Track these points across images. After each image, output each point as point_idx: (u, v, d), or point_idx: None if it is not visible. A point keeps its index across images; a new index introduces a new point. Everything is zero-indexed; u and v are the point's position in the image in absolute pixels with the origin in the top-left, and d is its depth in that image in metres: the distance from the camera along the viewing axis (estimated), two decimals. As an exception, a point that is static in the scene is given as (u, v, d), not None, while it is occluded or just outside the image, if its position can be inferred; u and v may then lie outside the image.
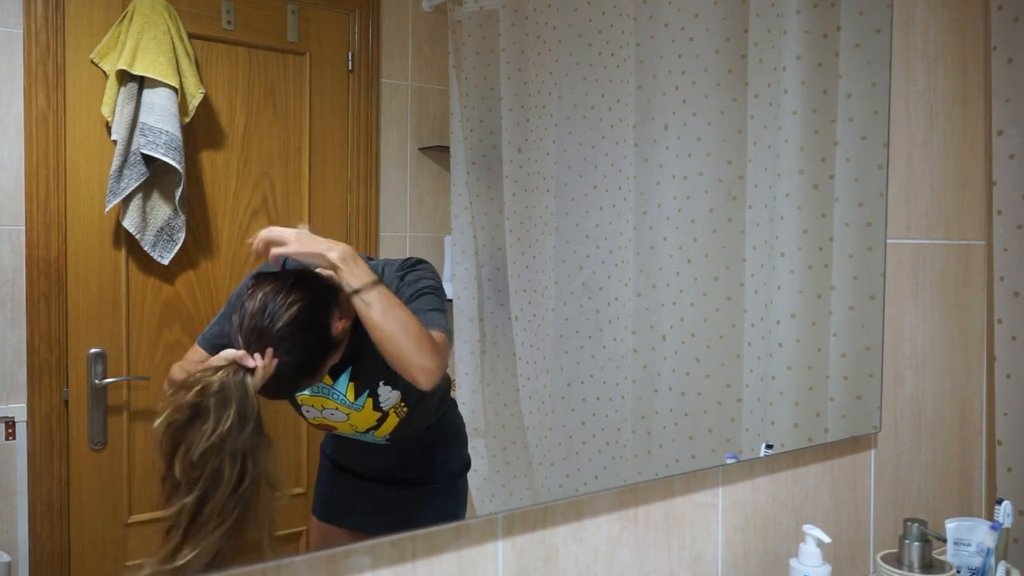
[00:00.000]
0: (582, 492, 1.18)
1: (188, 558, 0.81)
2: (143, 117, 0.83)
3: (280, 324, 0.87)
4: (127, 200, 0.82)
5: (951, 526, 1.36)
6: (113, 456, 0.84)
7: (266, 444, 0.86)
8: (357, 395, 0.97)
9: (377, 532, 0.95)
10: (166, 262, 0.86)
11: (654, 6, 1.26)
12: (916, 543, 1.28)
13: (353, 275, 0.90)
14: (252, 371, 0.85)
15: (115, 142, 0.81)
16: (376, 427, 1.00)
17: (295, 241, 0.89)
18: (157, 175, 0.84)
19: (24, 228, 0.78)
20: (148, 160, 0.83)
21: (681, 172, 1.28)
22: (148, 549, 0.85)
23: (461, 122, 1.09)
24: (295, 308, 0.88)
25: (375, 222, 1.00)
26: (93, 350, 0.82)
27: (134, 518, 0.85)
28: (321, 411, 0.98)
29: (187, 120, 0.86)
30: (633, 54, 1.24)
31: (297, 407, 0.98)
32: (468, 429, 1.11)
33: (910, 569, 1.27)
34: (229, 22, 0.88)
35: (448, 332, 0.98)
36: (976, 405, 1.72)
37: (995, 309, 1.65)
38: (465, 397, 1.12)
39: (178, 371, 0.86)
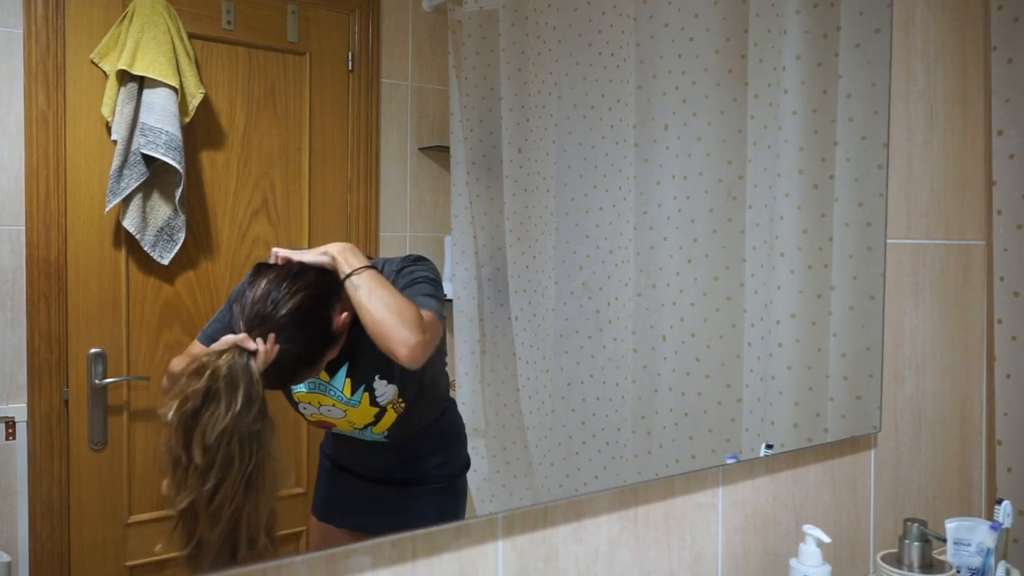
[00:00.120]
0: (582, 492, 1.18)
1: (204, 540, 0.82)
2: (143, 117, 0.83)
3: (284, 311, 0.88)
4: (127, 200, 0.82)
5: (951, 526, 1.36)
6: (113, 456, 0.84)
7: (270, 427, 0.87)
8: (353, 391, 0.98)
9: (377, 532, 0.96)
10: (166, 262, 0.86)
11: (654, 6, 1.26)
12: (916, 543, 1.28)
13: (347, 262, 0.92)
14: (254, 355, 0.86)
15: (115, 142, 0.81)
16: (374, 423, 1.00)
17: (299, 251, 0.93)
18: (157, 175, 0.84)
19: (24, 228, 0.78)
20: (148, 160, 0.83)
21: (681, 172, 1.28)
22: (148, 549, 0.85)
23: (461, 122, 1.09)
24: (299, 296, 0.89)
25: (375, 222, 1.00)
26: (93, 350, 0.82)
27: (134, 518, 0.85)
28: (319, 408, 0.98)
29: (187, 120, 0.86)
30: (633, 54, 1.24)
31: (294, 404, 0.98)
32: (468, 429, 1.11)
33: (910, 569, 1.27)
34: (229, 22, 0.88)
35: (439, 316, 0.98)
36: (976, 405, 1.72)
37: (995, 309, 1.65)
38: (465, 397, 1.12)
39: (177, 364, 0.86)
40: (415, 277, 0.99)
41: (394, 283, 0.96)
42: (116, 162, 0.81)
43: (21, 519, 0.78)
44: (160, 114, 0.83)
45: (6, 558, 0.77)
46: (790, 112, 1.33)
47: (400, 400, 1.00)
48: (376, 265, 0.95)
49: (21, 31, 0.77)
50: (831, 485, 1.44)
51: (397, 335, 0.91)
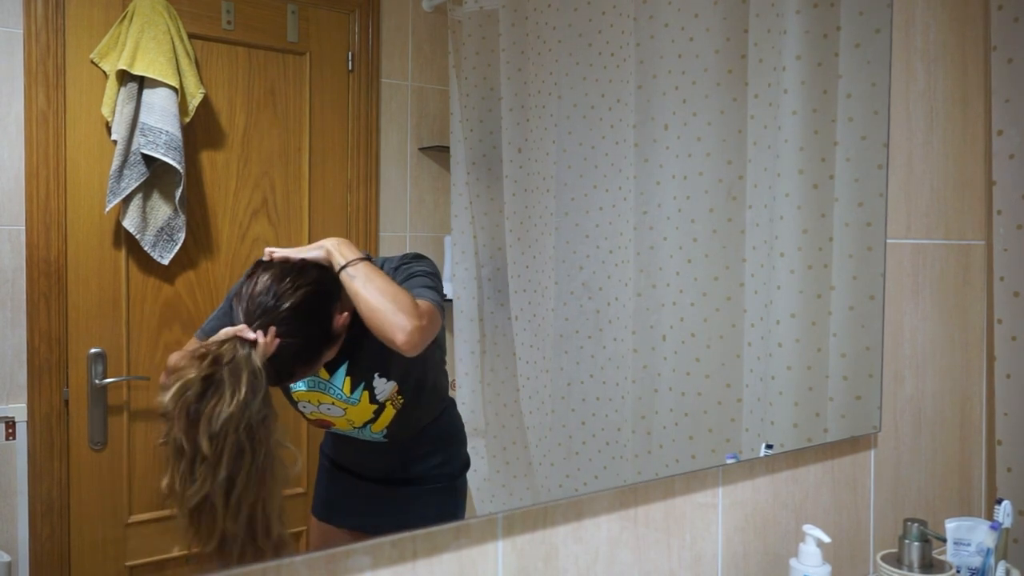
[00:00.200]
0: (582, 492, 1.18)
1: (228, 533, 0.82)
2: (143, 117, 0.83)
3: (286, 304, 0.88)
4: (127, 200, 0.82)
5: (951, 526, 1.36)
6: (113, 456, 0.84)
7: (274, 415, 0.87)
8: (353, 389, 0.98)
9: (377, 532, 0.96)
10: (166, 262, 0.86)
11: (654, 6, 1.26)
12: (916, 543, 1.28)
13: (342, 255, 0.92)
14: (255, 345, 0.86)
15: (115, 142, 0.81)
16: (373, 420, 1.00)
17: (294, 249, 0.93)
18: (157, 175, 0.84)
19: (24, 228, 0.78)
20: (148, 160, 0.83)
21: (681, 172, 1.28)
22: (148, 549, 0.85)
23: (461, 122, 1.09)
24: (302, 292, 0.89)
25: (375, 222, 1.00)
26: (93, 350, 0.82)
27: (134, 518, 0.85)
28: (318, 406, 0.98)
29: (187, 120, 0.86)
30: (633, 54, 1.24)
31: (294, 403, 0.98)
32: (468, 429, 1.11)
33: (910, 569, 1.27)
34: (229, 22, 0.88)
35: (438, 306, 0.98)
36: (976, 405, 1.72)
37: (995, 309, 1.65)
38: (465, 397, 1.12)
39: (176, 360, 0.86)
40: (413, 272, 0.99)
41: (392, 279, 0.96)
42: (116, 162, 0.81)
43: (21, 519, 0.78)
44: (160, 114, 0.83)
45: (6, 558, 0.77)
46: (790, 112, 1.33)
47: (399, 396, 1.00)
48: (376, 264, 0.95)
49: (21, 31, 0.77)
50: (831, 485, 1.44)
51: (394, 321, 0.91)
